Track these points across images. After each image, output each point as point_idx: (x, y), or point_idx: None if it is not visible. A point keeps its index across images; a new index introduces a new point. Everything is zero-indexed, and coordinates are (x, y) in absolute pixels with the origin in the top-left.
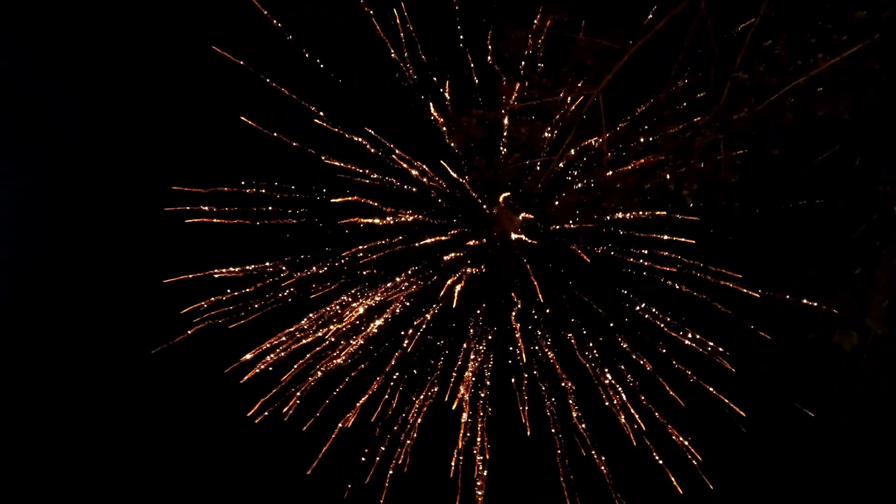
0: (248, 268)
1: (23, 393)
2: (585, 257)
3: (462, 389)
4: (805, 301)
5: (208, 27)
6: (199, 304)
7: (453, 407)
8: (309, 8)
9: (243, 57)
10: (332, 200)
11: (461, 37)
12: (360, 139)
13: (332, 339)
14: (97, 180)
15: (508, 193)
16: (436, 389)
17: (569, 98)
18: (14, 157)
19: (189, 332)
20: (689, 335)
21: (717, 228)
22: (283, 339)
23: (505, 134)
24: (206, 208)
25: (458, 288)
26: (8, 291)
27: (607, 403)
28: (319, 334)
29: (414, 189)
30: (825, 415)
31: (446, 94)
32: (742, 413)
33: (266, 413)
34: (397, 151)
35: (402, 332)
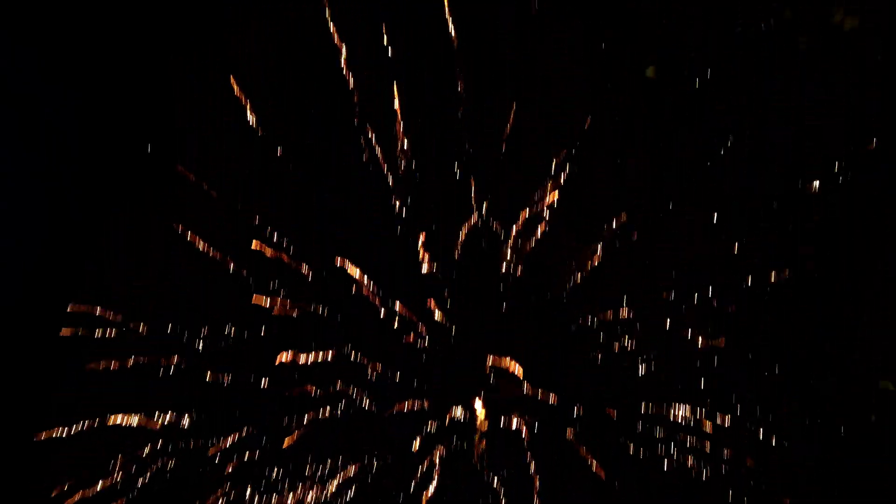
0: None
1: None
2: (600, 472)
3: None
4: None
5: (207, 32)
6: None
7: None
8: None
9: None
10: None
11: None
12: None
13: None
14: (97, 180)
15: (500, 394)
16: None
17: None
18: (14, 157)
19: None
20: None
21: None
22: None
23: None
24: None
25: (434, 473)
26: (7, 292)
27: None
28: None
29: (385, 334)
30: (825, 415)
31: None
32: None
33: None
34: (366, 285)
35: None
